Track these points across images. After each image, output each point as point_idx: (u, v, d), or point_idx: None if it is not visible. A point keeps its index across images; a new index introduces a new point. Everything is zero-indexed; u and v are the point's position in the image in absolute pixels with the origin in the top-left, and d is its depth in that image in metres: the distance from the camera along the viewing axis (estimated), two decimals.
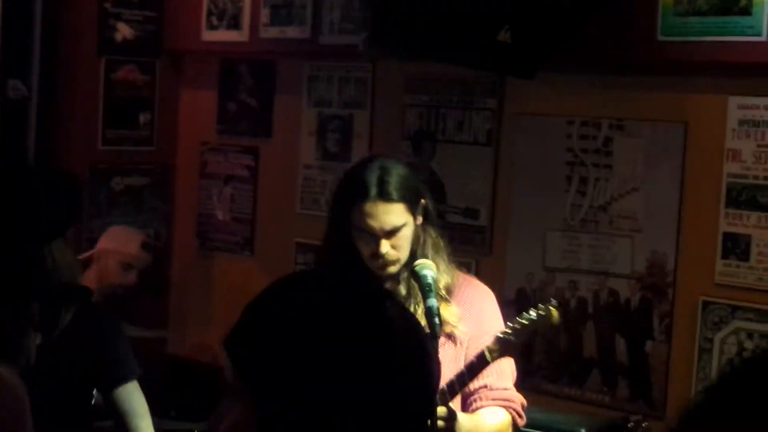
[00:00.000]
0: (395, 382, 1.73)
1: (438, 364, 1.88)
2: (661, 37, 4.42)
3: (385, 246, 3.31)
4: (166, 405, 5.10)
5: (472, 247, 5.07)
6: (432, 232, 3.44)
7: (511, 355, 3.39)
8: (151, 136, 6.16)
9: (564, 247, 4.84)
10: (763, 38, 4.18)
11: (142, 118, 6.11)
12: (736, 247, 4.38)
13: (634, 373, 4.65)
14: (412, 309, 3.30)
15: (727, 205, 4.40)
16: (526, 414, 3.50)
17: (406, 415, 1.75)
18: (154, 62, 6.13)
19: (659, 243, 4.59)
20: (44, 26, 5.81)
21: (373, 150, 5.41)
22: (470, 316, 3.42)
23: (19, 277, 3.28)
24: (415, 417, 1.77)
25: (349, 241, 3.36)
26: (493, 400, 3.42)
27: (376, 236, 3.31)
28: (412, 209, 3.36)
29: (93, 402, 3.64)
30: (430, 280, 3.24)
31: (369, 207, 3.29)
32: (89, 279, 4.85)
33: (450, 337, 3.39)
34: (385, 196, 3.30)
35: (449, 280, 3.43)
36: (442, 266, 3.42)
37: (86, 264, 5.07)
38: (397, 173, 3.36)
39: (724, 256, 4.41)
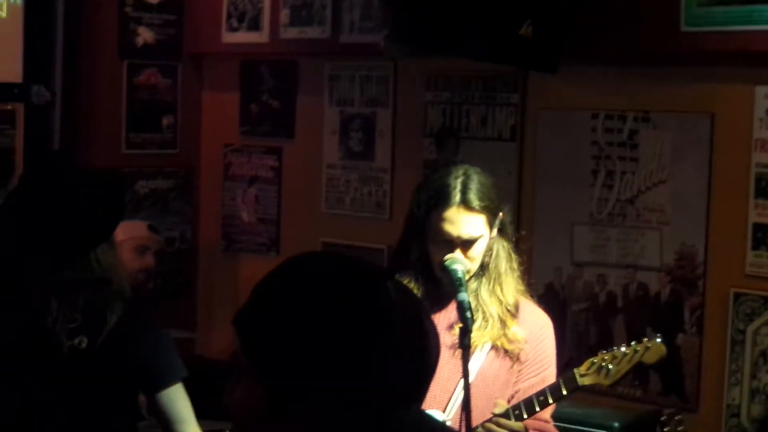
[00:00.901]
0: (389, 359, 1.81)
1: (437, 345, 1.91)
2: (685, 28, 4.37)
3: (459, 254, 3.26)
4: (194, 406, 5.10)
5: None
6: (506, 246, 3.38)
7: (603, 386, 3.33)
8: (175, 139, 6.16)
9: (592, 241, 4.81)
10: None
11: (165, 121, 6.11)
12: (767, 237, 4.34)
13: (666, 367, 4.60)
14: (478, 321, 3.27)
15: (757, 195, 4.36)
16: (558, 408, 3.47)
17: (400, 390, 1.84)
18: (175, 65, 6.12)
19: (688, 235, 4.55)
20: (66, 32, 5.82)
21: (397, 147, 5.40)
22: (531, 343, 3.38)
23: (67, 282, 3.28)
24: (408, 393, 1.85)
25: (424, 246, 3.32)
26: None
27: (452, 244, 3.25)
28: (491, 221, 3.31)
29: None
30: (460, 275, 3.21)
31: (450, 213, 3.24)
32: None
33: (509, 354, 3.35)
34: (467, 204, 3.25)
35: (518, 298, 3.39)
36: (512, 283, 3.38)
37: None
38: (480, 182, 3.31)
39: (755, 247, 4.37)
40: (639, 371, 4.58)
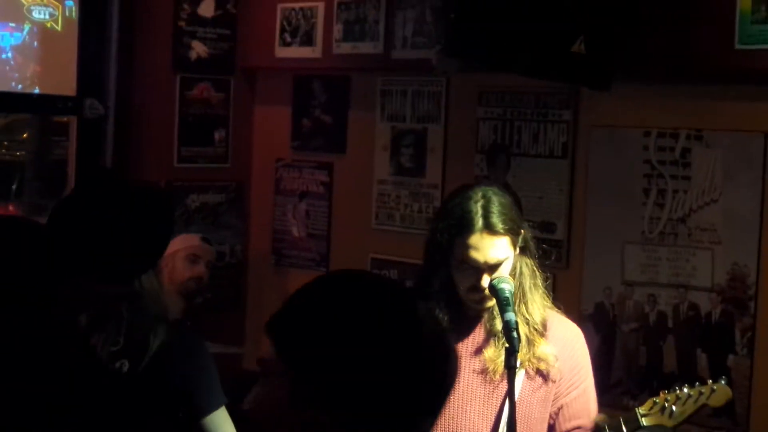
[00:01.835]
0: (412, 369, 1.97)
1: (455, 367, 2.05)
2: (738, 46, 4.33)
3: (486, 280, 3.20)
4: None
5: (549, 261, 4.99)
6: (529, 263, 3.33)
7: (667, 427, 3.29)
8: (226, 153, 6.18)
9: (642, 260, 4.77)
10: None
11: (217, 135, 6.14)
12: None
13: None
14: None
15: None
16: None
17: (419, 401, 1.98)
18: (228, 79, 6.15)
19: (740, 255, 4.50)
20: (120, 45, 5.87)
21: (448, 164, 5.38)
22: (564, 356, 3.33)
23: (112, 304, 3.25)
24: (426, 405, 2.00)
25: (448, 272, 3.29)
26: None
27: (478, 269, 3.21)
28: (514, 242, 3.26)
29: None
30: (507, 294, 3.17)
31: (474, 239, 3.18)
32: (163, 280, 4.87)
33: (541, 374, 3.31)
34: (490, 229, 3.19)
35: (544, 315, 3.34)
36: (538, 300, 3.32)
37: None
38: (500, 203, 3.25)
39: None
40: None
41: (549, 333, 3.31)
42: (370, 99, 5.71)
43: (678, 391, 3.28)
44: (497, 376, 3.24)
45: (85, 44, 5.78)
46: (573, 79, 4.69)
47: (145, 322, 3.29)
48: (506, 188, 5.04)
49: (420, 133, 5.51)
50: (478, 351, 3.29)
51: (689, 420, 3.29)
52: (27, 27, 5.64)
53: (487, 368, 3.24)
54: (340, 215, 5.90)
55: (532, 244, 3.36)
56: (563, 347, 3.34)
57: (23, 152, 6.84)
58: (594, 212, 4.91)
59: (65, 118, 6.06)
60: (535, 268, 3.35)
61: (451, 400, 2.96)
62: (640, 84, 4.71)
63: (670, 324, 4.70)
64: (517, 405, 3.18)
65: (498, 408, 3.27)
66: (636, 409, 3.29)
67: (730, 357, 4.52)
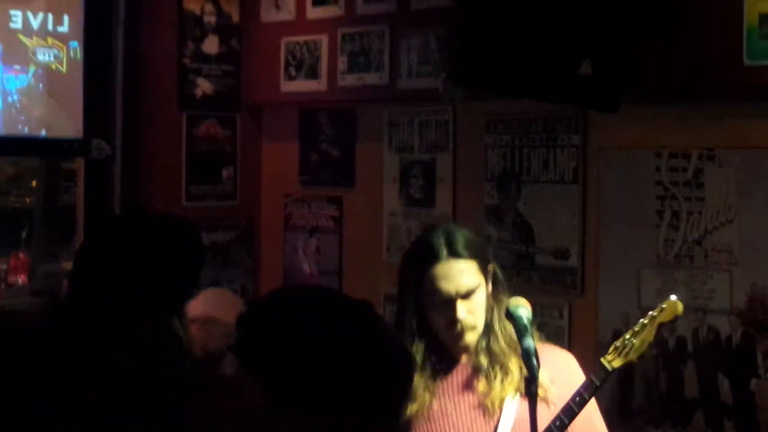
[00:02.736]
0: (376, 370, 2.15)
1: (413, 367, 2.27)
2: (747, 62, 4.26)
3: (461, 310, 3.19)
4: None
5: (563, 288, 4.93)
6: (505, 300, 3.30)
7: (633, 362, 3.25)
8: (235, 190, 6.14)
9: (659, 284, 4.68)
10: None
11: (225, 172, 6.10)
12: None
13: (740, 414, 4.46)
14: (496, 377, 3.23)
15: None
16: None
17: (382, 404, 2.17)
18: (234, 116, 6.12)
19: (759, 276, 4.41)
20: (125, 85, 5.86)
21: (458, 193, 5.32)
22: (559, 379, 3.30)
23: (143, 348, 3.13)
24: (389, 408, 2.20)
25: (423, 314, 3.25)
26: None
27: (451, 300, 3.19)
28: (483, 270, 3.26)
29: None
30: (525, 321, 3.10)
31: (441, 268, 3.19)
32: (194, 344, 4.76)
33: (542, 399, 3.25)
34: (455, 255, 3.20)
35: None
36: None
37: None
38: (462, 234, 3.29)
39: None
40: (710, 417, 4.46)
41: (540, 359, 3.24)
42: (377, 130, 5.66)
43: (633, 327, 3.25)
44: (494, 408, 3.22)
45: (90, 85, 5.75)
46: (581, 102, 4.64)
47: (175, 368, 3.18)
48: (518, 216, 5.03)
49: (428, 163, 5.45)
50: (469, 386, 3.26)
51: (651, 345, 3.28)
52: (32, 69, 5.61)
53: (483, 402, 3.22)
54: (350, 249, 5.84)
55: (501, 278, 3.33)
56: (557, 371, 3.30)
57: (32, 199, 6.81)
58: (607, 237, 4.83)
59: (73, 164, 6.02)
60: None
61: None
62: (649, 104, 4.65)
63: (689, 349, 4.61)
64: (517, 429, 3.14)
65: None
66: (601, 359, 3.23)
67: (753, 381, 4.43)
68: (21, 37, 5.54)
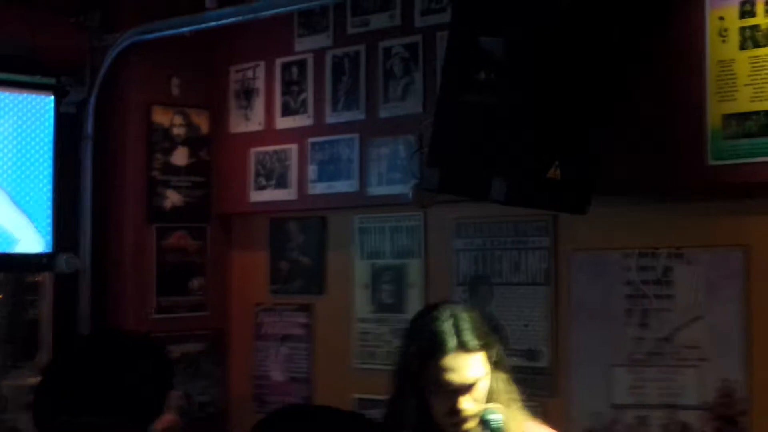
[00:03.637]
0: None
1: None
2: (711, 162, 4.38)
3: (465, 401, 3.16)
4: None
5: (536, 389, 4.95)
6: (503, 377, 3.29)
7: None
8: (205, 301, 6.15)
9: (630, 382, 4.73)
10: None
11: (195, 283, 6.11)
12: None
13: None
14: None
15: None
16: None
17: None
18: (204, 227, 6.15)
19: (729, 371, 4.48)
20: (94, 198, 5.88)
21: (429, 298, 5.36)
22: None
23: None
24: None
25: (422, 399, 3.22)
26: None
27: (456, 392, 3.16)
28: (489, 356, 3.22)
29: None
30: (497, 425, 3.12)
31: (449, 361, 3.13)
32: None
33: None
34: (465, 347, 3.15)
35: (523, 427, 3.31)
36: (517, 415, 3.29)
37: None
38: (470, 319, 3.21)
39: None
40: None
41: None
42: (347, 237, 5.72)
43: None
44: None
45: (59, 198, 5.78)
46: (550, 205, 4.70)
47: None
48: (490, 319, 5.07)
49: (399, 268, 5.51)
50: None
51: None
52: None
53: None
54: (321, 357, 5.85)
55: (504, 358, 3.30)
56: None
57: None
58: (579, 337, 4.90)
59: (38, 277, 6.01)
60: (508, 382, 3.30)
61: None
62: (618, 205, 4.75)
63: None
64: None
65: None
66: None
67: None
68: None
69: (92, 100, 5.86)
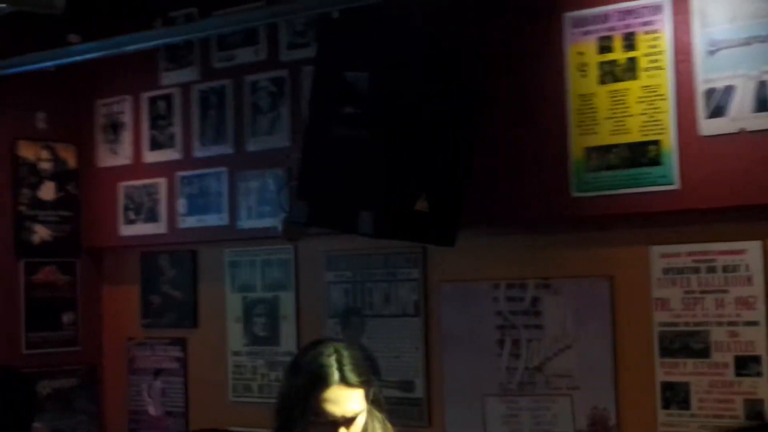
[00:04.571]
0: None
1: None
2: (575, 194, 4.43)
3: None
4: None
5: (411, 420, 4.98)
6: (378, 415, 3.35)
7: None
8: (76, 336, 6.07)
9: (503, 411, 4.77)
10: (675, 186, 4.20)
11: (66, 318, 6.02)
12: (676, 395, 4.34)
13: None
14: None
15: (662, 354, 4.37)
16: None
17: None
18: (74, 261, 6.07)
19: (599, 399, 4.54)
20: None
21: (302, 330, 5.36)
22: None
23: None
24: None
25: (303, 429, 3.26)
26: None
27: (335, 423, 3.19)
28: (367, 394, 3.29)
29: None
30: None
31: (331, 393, 3.17)
32: None
33: None
34: (346, 382, 3.20)
35: None
36: None
37: None
38: (352, 357, 3.28)
39: (665, 406, 4.36)
40: None
41: None
42: (219, 270, 5.69)
43: None
44: None
45: None
46: (418, 237, 4.73)
47: None
48: (362, 350, 5.07)
49: (272, 301, 5.50)
50: None
51: None
52: None
53: None
54: (196, 390, 5.81)
55: (381, 397, 3.37)
56: None
57: None
58: (451, 367, 4.92)
59: None
60: (385, 421, 3.36)
61: None
62: (486, 237, 4.79)
63: None
64: None
65: None
66: None
67: None
68: None
69: None
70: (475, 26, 4.68)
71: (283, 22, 5.24)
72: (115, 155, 5.99)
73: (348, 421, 3.20)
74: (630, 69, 4.31)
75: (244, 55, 5.45)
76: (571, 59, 4.43)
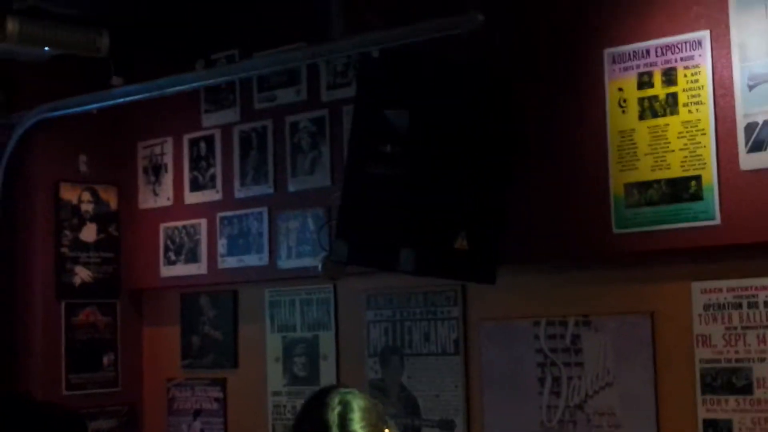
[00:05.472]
0: None
1: None
2: (616, 230, 4.43)
3: None
4: None
5: None
6: None
7: None
8: (116, 377, 6.09)
9: None
10: (716, 222, 4.20)
11: (106, 359, 6.05)
12: None
13: None
14: None
15: (704, 391, 4.35)
16: None
17: None
18: (114, 303, 6.10)
19: None
20: (1, 276, 5.80)
21: (342, 369, 5.36)
22: None
23: None
24: None
25: None
26: None
27: None
28: None
29: None
30: None
31: None
32: None
33: None
34: None
35: None
36: None
37: None
38: (359, 408, 3.20)
39: None
40: None
41: None
42: (258, 310, 5.71)
43: None
44: None
45: None
46: (458, 275, 4.75)
47: None
48: (402, 390, 5.07)
49: (311, 341, 5.50)
50: None
51: None
52: None
53: None
54: (235, 430, 5.81)
55: None
56: None
57: None
58: (491, 406, 4.91)
59: None
60: None
61: None
62: (526, 274, 4.79)
63: None
64: None
65: None
66: None
67: None
68: None
69: None
70: (514, 63, 4.70)
71: (324, 63, 5.29)
72: (156, 196, 6.04)
73: None
74: (670, 104, 4.32)
75: (285, 96, 5.50)
76: (610, 95, 4.45)
